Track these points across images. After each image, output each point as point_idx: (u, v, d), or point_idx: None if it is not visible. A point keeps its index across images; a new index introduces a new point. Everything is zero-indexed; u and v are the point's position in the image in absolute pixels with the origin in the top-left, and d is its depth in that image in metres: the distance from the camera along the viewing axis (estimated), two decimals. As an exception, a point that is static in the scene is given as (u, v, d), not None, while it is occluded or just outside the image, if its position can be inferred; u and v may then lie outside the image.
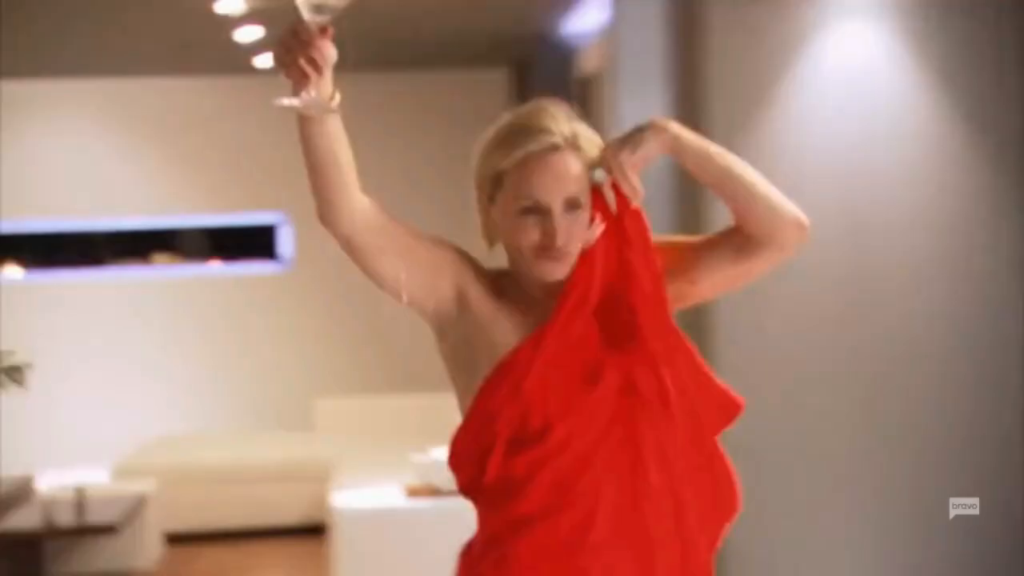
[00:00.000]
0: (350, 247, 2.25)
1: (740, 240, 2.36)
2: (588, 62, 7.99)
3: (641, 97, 6.29)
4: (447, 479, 6.54)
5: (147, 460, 8.78)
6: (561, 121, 2.30)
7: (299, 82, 2.04)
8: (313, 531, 8.03)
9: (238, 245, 10.17)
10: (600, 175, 2.32)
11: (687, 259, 2.38)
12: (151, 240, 10.10)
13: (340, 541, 6.50)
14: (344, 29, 8.16)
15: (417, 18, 8.00)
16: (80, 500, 7.11)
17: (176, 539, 8.33)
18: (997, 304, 4.81)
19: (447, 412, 9.50)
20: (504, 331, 2.31)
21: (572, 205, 2.26)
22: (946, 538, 4.83)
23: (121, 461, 8.73)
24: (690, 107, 4.81)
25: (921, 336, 4.82)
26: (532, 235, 2.25)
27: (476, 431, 2.31)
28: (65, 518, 7.08)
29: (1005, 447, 4.82)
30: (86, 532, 7.10)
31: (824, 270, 4.83)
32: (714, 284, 2.41)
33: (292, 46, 2.02)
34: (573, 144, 2.28)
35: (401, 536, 6.51)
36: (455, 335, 2.35)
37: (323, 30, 2.00)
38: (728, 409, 2.36)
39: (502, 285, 2.36)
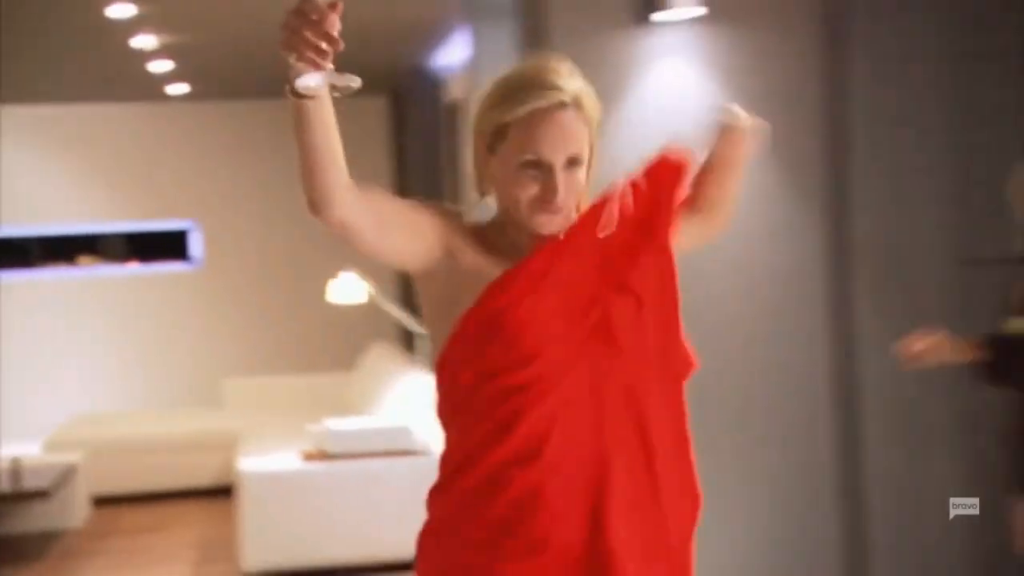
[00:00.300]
0: (346, 230, 1.92)
1: (704, 212, 2.28)
2: (454, 90, 7.99)
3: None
4: (337, 445, 6.55)
5: (76, 434, 8.62)
6: (568, 79, 2.06)
7: (314, 62, 1.74)
8: (223, 492, 7.93)
9: (154, 248, 10.02)
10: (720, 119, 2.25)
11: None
12: (78, 244, 9.93)
13: (245, 500, 6.47)
14: (239, 59, 8.07)
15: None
16: (16, 469, 6.97)
17: (102, 501, 8.19)
18: (797, 294, 4.82)
19: (337, 388, 9.47)
20: (491, 276, 2.06)
21: (573, 162, 2.03)
22: (757, 490, 4.84)
23: (53, 435, 8.58)
24: None
25: (743, 326, 4.82)
26: (531, 189, 2.02)
27: (460, 351, 2.07)
28: (3, 485, 6.95)
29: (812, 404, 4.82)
30: (22, 497, 6.97)
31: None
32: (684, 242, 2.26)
33: (301, 26, 1.72)
34: (578, 103, 2.04)
35: (297, 494, 6.49)
36: (442, 288, 2.09)
37: (332, 5, 1.72)
38: (687, 366, 2.19)
39: (488, 235, 2.12)
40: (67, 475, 7.39)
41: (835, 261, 4.78)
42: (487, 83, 2.10)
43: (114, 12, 6.34)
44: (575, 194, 2.06)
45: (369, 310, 8.28)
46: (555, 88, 2.02)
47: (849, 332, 4.74)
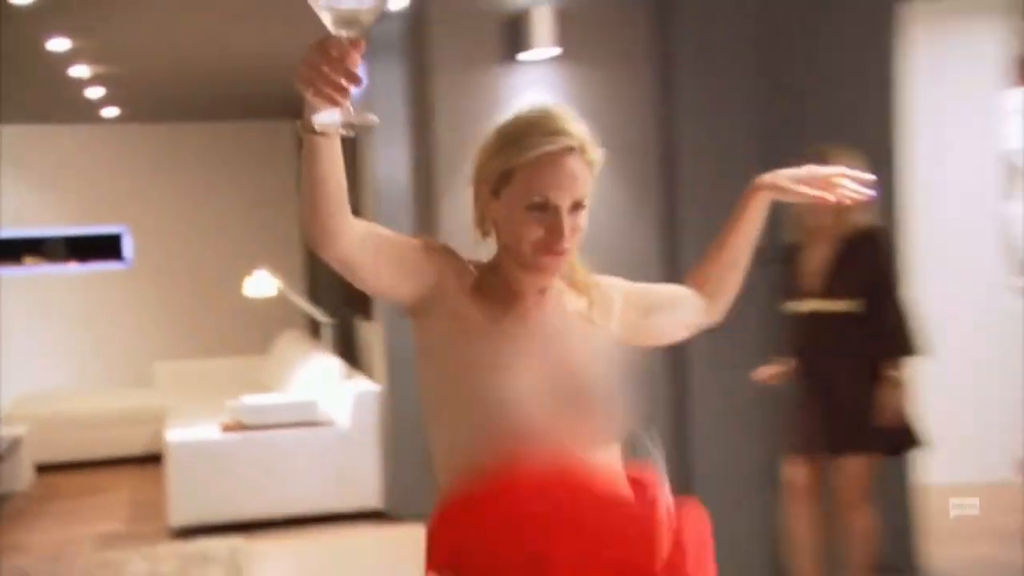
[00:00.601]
0: (345, 266, 1.68)
1: (701, 302, 2.09)
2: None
3: (389, 145, 6.27)
4: (252, 418, 6.49)
5: (22, 409, 8.39)
6: (573, 125, 1.80)
7: (333, 100, 1.48)
8: (152, 460, 7.77)
9: (91, 249, 9.76)
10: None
11: (656, 306, 2.05)
12: (24, 246, 9.64)
13: (172, 466, 6.37)
14: (162, 87, 7.89)
15: (225, 78, 7.85)
16: (-32, 441, 6.80)
17: (45, 468, 7.98)
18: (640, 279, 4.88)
19: (253, 369, 9.39)
20: (477, 326, 1.80)
21: (577, 206, 1.79)
22: None
23: (2, 411, 8.35)
24: (423, 154, 4.77)
25: None
26: (537, 231, 1.76)
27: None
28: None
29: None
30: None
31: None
32: (660, 334, 2.08)
33: (323, 63, 1.46)
34: (583, 148, 1.79)
35: (217, 460, 6.42)
36: (429, 329, 1.82)
37: (354, 43, 1.47)
38: None
39: (484, 276, 1.85)
40: (14, 446, 7.25)
41: (668, 251, 4.81)
42: (487, 131, 1.86)
43: (53, 46, 6.31)
44: (577, 237, 1.82)
45: (280, 302, 8.22)
46: (563, 133, 1.78)
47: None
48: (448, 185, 4.54)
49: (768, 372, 4.27)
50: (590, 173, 1.81)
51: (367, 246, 1.70)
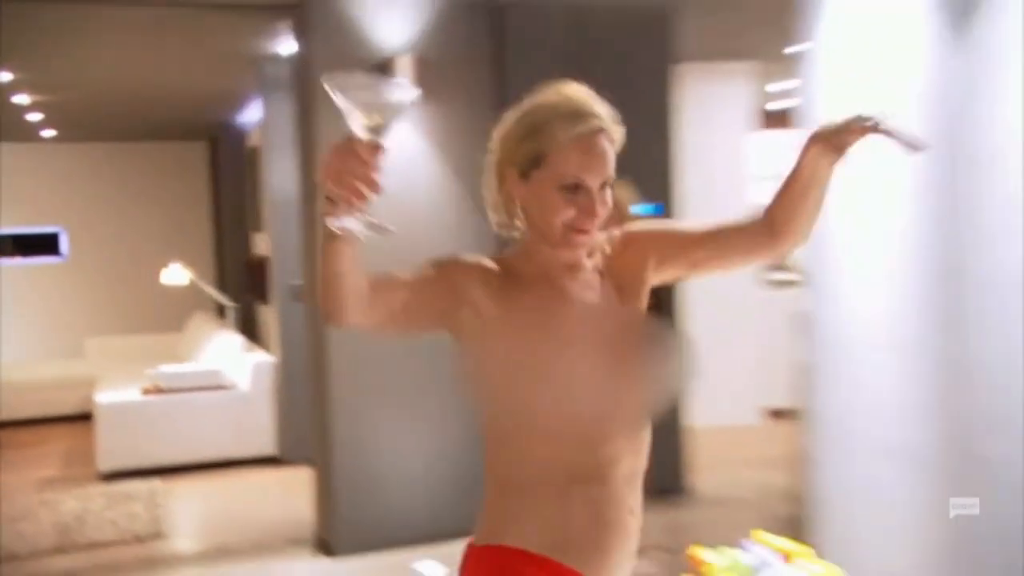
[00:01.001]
0: (365, 328, 1.38)
1: (763, 238, 1.55)
2: (253, 139, 7.78)
3: (280, 161, 6.18)
4: (168, 383, 6.31)
5: (-28, 379, 8.00)
6: (599, 106, 1.48)
7: (354, 201, 1.22)
8: (84, 418, 7.45)
9: (33, 246, 9.32)
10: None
11: (687, 244, 1.59)
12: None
13: (101, 422, 6.18)
14: (91, 113, 7.58)
15: (145, 105, 7.65)
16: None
17: (-7, 427, 7.61)
18: None
19: (169, 344, 9.10)
20: (521, 318, 1.45)
21: (605, 185, 1.46)
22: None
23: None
24: (308, 170, 4.69)
25: None
26: (568, 212, 1.43)
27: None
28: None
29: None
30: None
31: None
32: (709, 267, 1.60)
33: (344, 167, 1.21)
34: (608, 128, 1.47)
35: (139, 418, 6.25)
36: (471, 340, 1.46)
37: (376, 148, 1.21)
38: None
39: (514, 266, 1.51)
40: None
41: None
42: (509, 116, 1.52)
43: (-2, 78, 6.08)
44: (605, 213, 1.48)
45: (192, 289, 8.00)
46: (593, 115, 1.46)
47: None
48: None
49: None
50: (613, 152, 1.48)
51: (377, 309, 1.38)
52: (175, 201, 9.63)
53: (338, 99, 1.20)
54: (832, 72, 3.37)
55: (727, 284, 6.48)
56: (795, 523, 3.71)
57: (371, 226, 1.24)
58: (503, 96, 4.75)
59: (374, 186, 1.22)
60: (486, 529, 1.46)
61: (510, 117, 1.51)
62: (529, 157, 1.46)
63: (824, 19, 3.42)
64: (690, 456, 5.23)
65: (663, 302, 4.16)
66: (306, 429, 5.10)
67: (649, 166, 4.76)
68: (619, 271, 1.56)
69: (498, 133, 1.52)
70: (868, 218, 3.16)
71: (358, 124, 1.21)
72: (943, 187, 2.78)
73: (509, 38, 4.72)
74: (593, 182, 1.44)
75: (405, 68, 4.43)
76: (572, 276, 1.51)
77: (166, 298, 8.87)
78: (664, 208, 4.86)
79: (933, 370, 2.97)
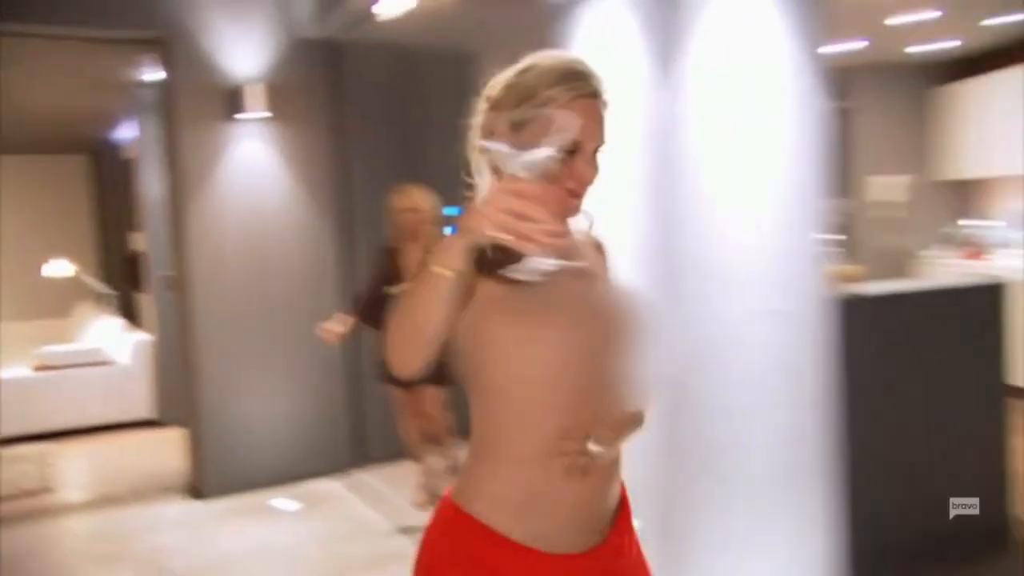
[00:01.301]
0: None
1: None
2: (130, 152, 7.51)
3: (155, 174, 6.06)
4: (56, 360, 6.10)
5: None
6: (593, 68, 1.21)
7: (545, 243, 0.96)
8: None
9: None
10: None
11: None
12: None
13: (2, 394, 5.90)
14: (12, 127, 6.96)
15: (28, 122, 7.25)
16: None
17: None
18: (315, 280, 4.76)
19: (57, 328, 8.63)
20: (507, 286, 1.15)
21: (598, 149, 1.19)
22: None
23: None
24: (172, 178, 4.53)
25: (305, 305, 4.62)
26: (564, 174, 1.16)
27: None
28: None
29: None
30: None
31: (256, 284, 4.50)
32: None
33: (525, 209, 0.96)
34: (603, 92, 1.20)
35: (31, 390, 6.02)
36: (476, 322, 1.17)
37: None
38: None
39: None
40: None
41: (346, 255, 4.75)
42: (498, 80, 1.22)
43: None
44: (595, 180, 1.20)
45: (76, 281, 7.69)
46: (595, 77, 1.19)
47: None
48: (190, 199, 4.46)
49: (340, 328, 3.80)
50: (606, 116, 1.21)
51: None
52: (59, 206, 9.13)
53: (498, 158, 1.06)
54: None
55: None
56: None
57: (565, 266, 1.04)
58: (341, 119, 4.83)
59: (559, 234, 0.97)
60: (462, 486, 1.22)
61: (502, 79, 1.22)
62: (525, 119, 1.17)
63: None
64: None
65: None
66: (179, 396, 5.08)
67: (454, 176, 4.91)
68: (590, 262, 1.30)
69: (490, 93, 1.22)
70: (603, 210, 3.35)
71: (517, 167, 1.02)
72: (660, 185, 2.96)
73: (346, 70, 4.79)
74: (590, 145, 1.18)
75: (256, 93, 4.43)
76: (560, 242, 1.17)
77: (55, 288, 8.47)
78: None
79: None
